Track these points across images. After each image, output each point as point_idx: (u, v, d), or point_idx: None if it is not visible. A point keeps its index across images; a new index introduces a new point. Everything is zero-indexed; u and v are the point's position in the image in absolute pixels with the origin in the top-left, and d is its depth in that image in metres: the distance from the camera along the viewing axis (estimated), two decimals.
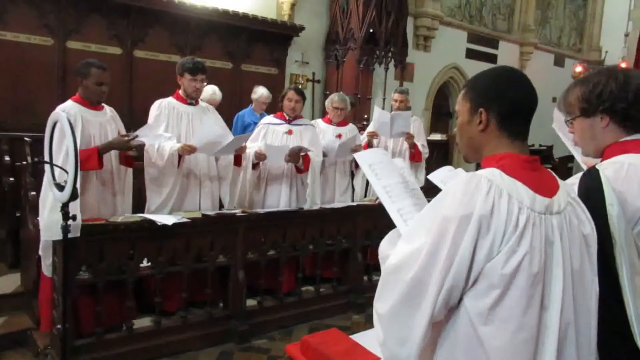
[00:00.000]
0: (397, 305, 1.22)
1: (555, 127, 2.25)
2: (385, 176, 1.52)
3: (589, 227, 1.32)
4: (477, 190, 1.18)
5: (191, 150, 3.77)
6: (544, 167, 1.34)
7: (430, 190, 1.62)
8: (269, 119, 4.72)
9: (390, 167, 1.55)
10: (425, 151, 5.60)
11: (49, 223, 3.16)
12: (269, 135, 4.52)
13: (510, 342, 1.16)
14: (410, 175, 1.65)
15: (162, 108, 3.93)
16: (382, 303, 1.26)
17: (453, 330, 1.21)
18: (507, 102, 1.30)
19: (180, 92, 4.02)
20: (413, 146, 5.40)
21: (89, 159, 3.36)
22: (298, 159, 4.36)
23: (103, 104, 3.69)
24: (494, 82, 1.33)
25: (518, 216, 1.18)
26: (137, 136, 3.54)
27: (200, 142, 3.79)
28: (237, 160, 4.16)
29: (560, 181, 1.34)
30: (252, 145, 4.33)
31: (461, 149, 1.42)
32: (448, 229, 1.16)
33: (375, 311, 1.30)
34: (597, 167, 1.54)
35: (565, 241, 1.24)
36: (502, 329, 1.16)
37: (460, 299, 1.20)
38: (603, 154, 1.64)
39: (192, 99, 4.03)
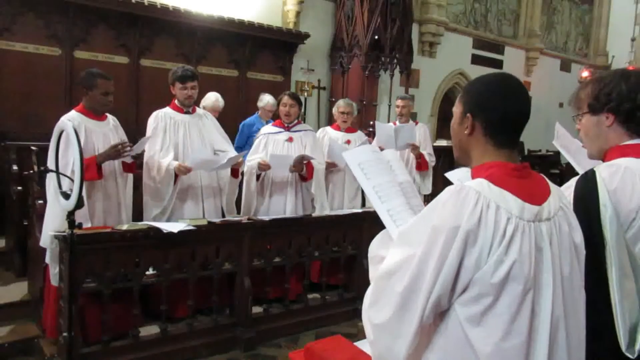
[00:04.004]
0: (390, 319, 1.24)
1: (557, 144, 2.24)
2: (375, 175, 1.51)
3: (579, 236, 1.32)
4: (465, 202, 1.19)
5: (187, 170, 3.83)
6: (535, 172, 1.33)
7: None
8: (268, 128, 4.72)
9: (380, 165, 1.54)
10: (431, 159, 5.61)
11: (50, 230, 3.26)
12: (270, 145, 4.52)
13: (501, 348, 1.17)
14: (400, 168, 1.61)
15: (158, 119, 3.97)
16: (376, 313, 1.28)
17: (445, 334, 1.22)
18: (495, 113, 1.30)
19: (176, 101, 4.06)
20: (420, 156, 5.40)
21: (88, 169, 3.39)
22: (302, 167, 4.37)
23: (106, 114, 3.76)
24: (485, 91, 1.33)
25: (506, 226, 1.19)
26: (130, 145, 3.58)
27: (194, 163, 3.85)
28: (234, 172, 4.21)
29: (552, 186, 1.34)
30: (254, 157, 4.35)
31: (454, 150, 1.44)
32: (437, 239, 1.18)
33: (368, 317, 1.31)
34: (594, 169, 1.56)
35: (554, 247, 1.25)
36: (492, 336, 1.17)
37: (452, 303, 1.21)
38: (605, 157, 1.65)
39: (187, 107, 4.06)
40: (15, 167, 4.60)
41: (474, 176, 1.32)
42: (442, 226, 1.18)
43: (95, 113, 3.65)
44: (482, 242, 1.17)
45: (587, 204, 1.47)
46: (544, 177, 1.36)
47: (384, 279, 1.27)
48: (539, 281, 1.21)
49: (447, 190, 1.24)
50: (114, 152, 3.53)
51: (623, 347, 1.42)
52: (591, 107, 1.64)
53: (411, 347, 1.22)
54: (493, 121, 1.31)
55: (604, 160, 1.64)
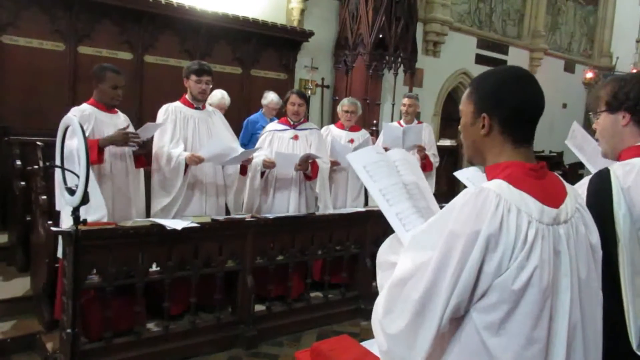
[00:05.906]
0: (406, 328, 1.19)
1: (570, 144, 2.22)
2: (382, 178, 1.45)
3: (596, 236, 1.29)
4: (486, 205, 1.14)
5: (199, 161, 3.81)
6: (550, 172, 1.30)
7: (439, 197, 1.58)
8: (274, 125, 4.72)
9: (386, 166, 1.48)
10: (436, 160, 5.60)
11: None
12: (275, 142, 4.51)
13: (521, 356, 1.14)
14: (407, 168, 1.55)
15: (169, 112, 3.95)
16: (390, 322, 1.23)
17: (460, 341, 1.18)
18: (511, 108, 1.25)
19: (187, 96, 4.05)
20: (425, 157, 5.39)
21: (89, 152, 3.37)
22: (307, 166, 4.36)
23: (117, 110, 3.77)
24: (498, 86, 1.27)
25: (527, 231, 1.15)
26: (137, 135, 3.56)
27: (208, 154, 3.83)
28: (243, 170, 4.19)
29: (568, 187, 1.31)
30: (259, 154, 4.34)
31: (465, 150, 1.39)
32: (455, 244, 1.13)
33: (381, 326, 1.25)
34: (609, 167, 1.56)
35: (572, 250, 1.21)
36: (512, 344, 1.14)
37: (468, 310, 1.17)
38: (620, 156, 1.65)
39: (198, 102, 4.05)
40: (18, 163, 4.58)
41: (489, 176, 1.28)
42: (461, 230, 1.13)
43: (106, 106, 3.68)
44: (504, 248, 1.13)
45: (600, 202, 1.47)
46: (559, 176, 1.32)
47: (398, 287, 1.21)
48: (557, 286, 1.18)
49: (465, 192, 1.19)
50: (121, 136, 3.50)
51: (634, 345, 1.41)
52: (609, 105, 1.65)
53: (427, 357, 1.18)
54: (510, 116, 1.26)
55: (618, 160, 1.64)
